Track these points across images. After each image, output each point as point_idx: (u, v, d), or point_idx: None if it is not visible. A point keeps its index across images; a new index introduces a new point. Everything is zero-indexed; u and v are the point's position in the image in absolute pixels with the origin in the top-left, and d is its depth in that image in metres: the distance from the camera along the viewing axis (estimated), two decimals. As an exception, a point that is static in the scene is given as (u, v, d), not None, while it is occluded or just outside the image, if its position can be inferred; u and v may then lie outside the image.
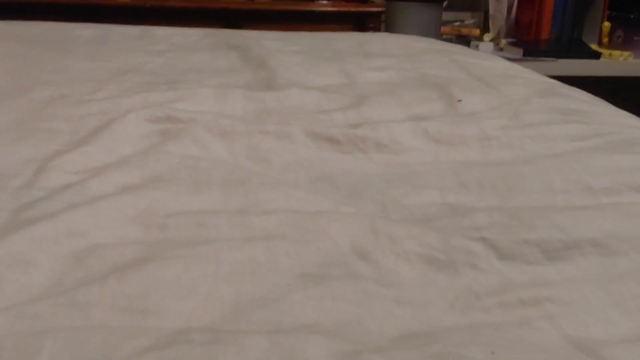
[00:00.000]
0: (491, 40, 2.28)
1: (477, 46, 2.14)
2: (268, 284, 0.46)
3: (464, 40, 2.23)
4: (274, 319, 0.42)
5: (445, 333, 0.41)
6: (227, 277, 0.46)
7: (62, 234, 0.49)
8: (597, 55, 2.17)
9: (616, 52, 2.18)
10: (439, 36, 2.13)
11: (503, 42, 2.28)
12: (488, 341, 0.40)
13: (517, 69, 1.18)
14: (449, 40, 1.95)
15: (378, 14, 2.13)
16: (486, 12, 2.37)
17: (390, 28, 2.12)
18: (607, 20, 2.31)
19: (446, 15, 2.28)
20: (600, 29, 2.32)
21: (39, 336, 0.38)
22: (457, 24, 2.38)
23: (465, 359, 0.38)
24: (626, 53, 2.18)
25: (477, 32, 2.32)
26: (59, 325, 0.39)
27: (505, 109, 0.85)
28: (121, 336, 0.39)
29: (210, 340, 0.38)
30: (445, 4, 2.15)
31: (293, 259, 0.49)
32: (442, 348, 0.39)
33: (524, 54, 2.11)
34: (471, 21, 2.43)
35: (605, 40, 2.32)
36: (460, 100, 0.89)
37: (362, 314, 0.43)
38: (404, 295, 0.46)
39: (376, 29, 2.13)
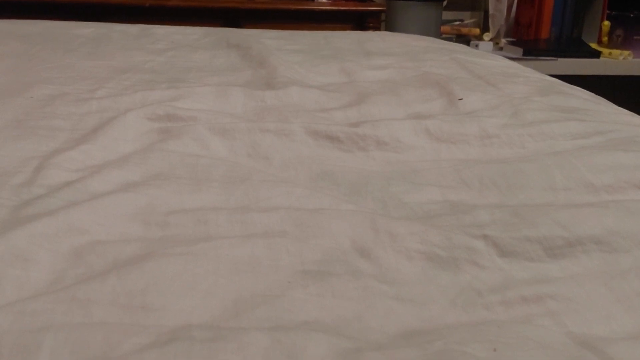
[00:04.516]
0: (491, 40, 2.28)
1: (476, 45, 2.14)
2: (268, 281, 0.45)
3: (463, 39, 2.23)
4: (274, 316, 0.42)
5: (447, 330, 0.41)
6: (227, 274, 0.46)
7: (62, 230, 0.49)
8: (596, 54, 2.17)
9: (616, 51, 2.18)
10: (439, 35, 2.13)
11: (503, 41, 2.28)
12: (490, 338, 0.40)
13: (517, 67, 1.17)
14: (449, 40, 1.95)
15: (378, 13, 2.13)
16: (486, 12, 2.37)
17: (390, 27, 2.12)
18: (607, 19, 2.31)
19: (446, 15, 2.28)
20: (600, 28, 2.32)
21: (39, 333, 0.38)
22: (457, 23, 2.38)
23: (467, 356, 0.37)
24: (626, 52, 2.18)
25: (477, 31, 2.32)
26: (59, 322, 0.39)
27: (506, 107, 0.85)
28: (121, 333, 0.39)
29: (210, 337, 0.38)
30: (445, 3, 2.15)
31: (294, 256, 0.48)
32: (443, 345, 0.39)
33: (524, 53, 2.11)
34: (471, 20, 2.43)
35: (605, 39, 2.32)
36: (461, 99, 0.88)
37: (363, 311, 0.43)
38: (405, 292, 0.45)
39: (376, 28, 2.12)
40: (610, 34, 2.30)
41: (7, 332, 0.38)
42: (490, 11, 2.30)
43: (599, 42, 2.33)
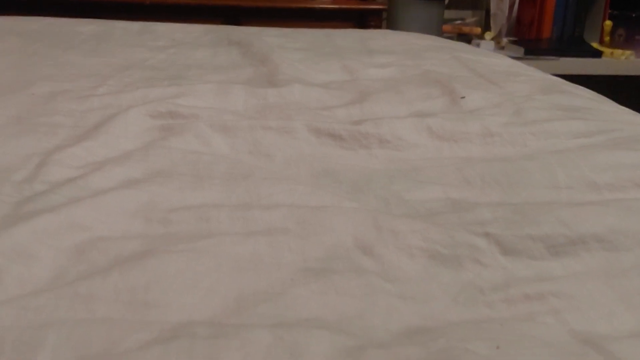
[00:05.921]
0: (492, 39, 2.28)
1: (478, 44, 2.14)
2: (271, 278, 0.45)
3: (465, 38, 2.23)
4: (277, 313, 0.42)
5: (449, 328, 0.41)
6: (229, 271, 0.46)
7: (64, 227, 0.49)
8: (598, 54, 2.17)
9: (618, 51, 2.18)
10: (441, 34, 2.12)
11: (504, 40, 2.27)
12: (493, 336, 0.40)
13: (519, 66, 1.17)
14: (450, 39, 1.95)
15: (380, 11, 2.13)
16: (487, 11, 2.36)
17: (391, 26, 2.12)
18: (609, 18, 2.31)
19: (447, 14, 2.28)
20: (602, 28, 2.32)
21: (42, 329, 0.38)
22: (458, 22, 2.38)
23: (470, 354, 0.37)
24: (628, 52, 2.18)
25: (478, 30, 2.32)
26: (62, 318, 0.39)
27: (507, 105, 0.85)
28: (124, 329, 0.39)
29: (213, 334, 0.38)
30: (446, 2, 2.15)
31: (296, 254, 0.48)
32: (446, 343, 0.39)
33: (525, 53, 2.11)
34: (472, 19, 2.43)
35: (606, 38, 2.31)
36: (463, 97, 0.88)
37: (365, 308, 0.43)
38: (408, 290, 0.45)
39: (378, 26, 2.12)
40: (612, 33, 2.29)
41: (9, 328, 0.38)
42: (492, 10, 2.30)
43: (601, 42, 2.33)
